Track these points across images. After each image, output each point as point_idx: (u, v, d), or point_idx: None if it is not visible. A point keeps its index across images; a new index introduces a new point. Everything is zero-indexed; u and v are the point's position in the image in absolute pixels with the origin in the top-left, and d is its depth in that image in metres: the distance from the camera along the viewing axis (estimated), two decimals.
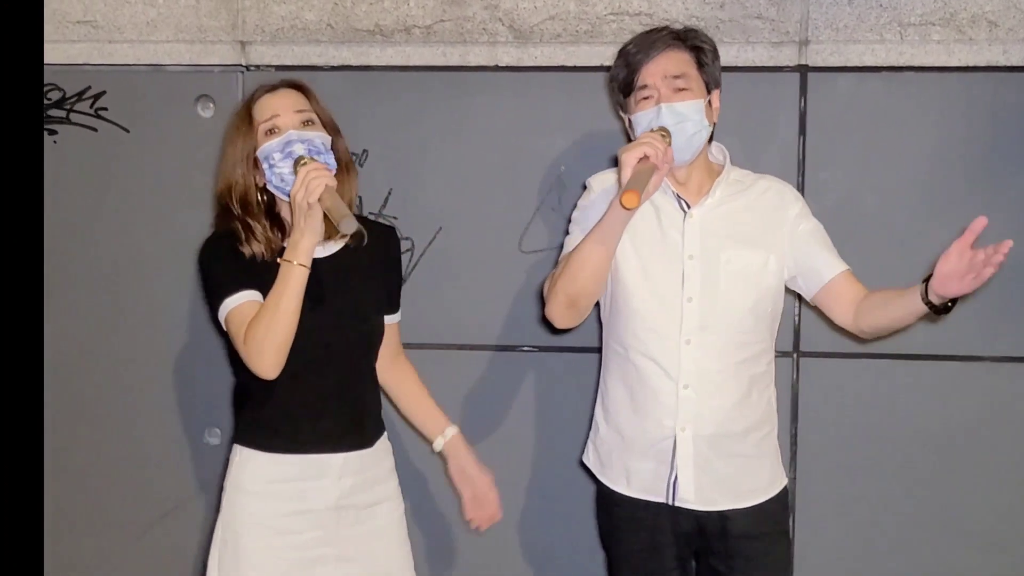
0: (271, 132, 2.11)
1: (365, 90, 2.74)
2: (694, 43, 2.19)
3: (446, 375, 2.78)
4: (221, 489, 2.24)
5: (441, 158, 2.75)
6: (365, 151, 2.75)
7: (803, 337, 2.73)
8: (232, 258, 2.13)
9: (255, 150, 2.12)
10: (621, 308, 2.27)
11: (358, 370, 2.25)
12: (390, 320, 2.34)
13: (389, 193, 2.77)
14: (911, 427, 2.71)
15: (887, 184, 2.66)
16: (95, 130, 2.81)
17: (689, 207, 2.21)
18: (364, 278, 2.23)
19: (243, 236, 2.14)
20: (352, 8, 2.72)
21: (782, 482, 2.31)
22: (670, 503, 2.24)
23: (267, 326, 2.03)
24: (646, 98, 2.16)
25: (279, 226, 2.18)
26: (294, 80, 2.22)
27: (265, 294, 2.08)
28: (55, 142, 2.81)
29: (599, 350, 2.75)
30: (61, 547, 2.92)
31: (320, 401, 2.17)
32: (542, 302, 2.30)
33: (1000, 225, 2.63)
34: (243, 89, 2.76)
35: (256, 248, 2.13)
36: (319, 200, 1.98)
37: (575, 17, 2.68)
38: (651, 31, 2.22)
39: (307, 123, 2.14)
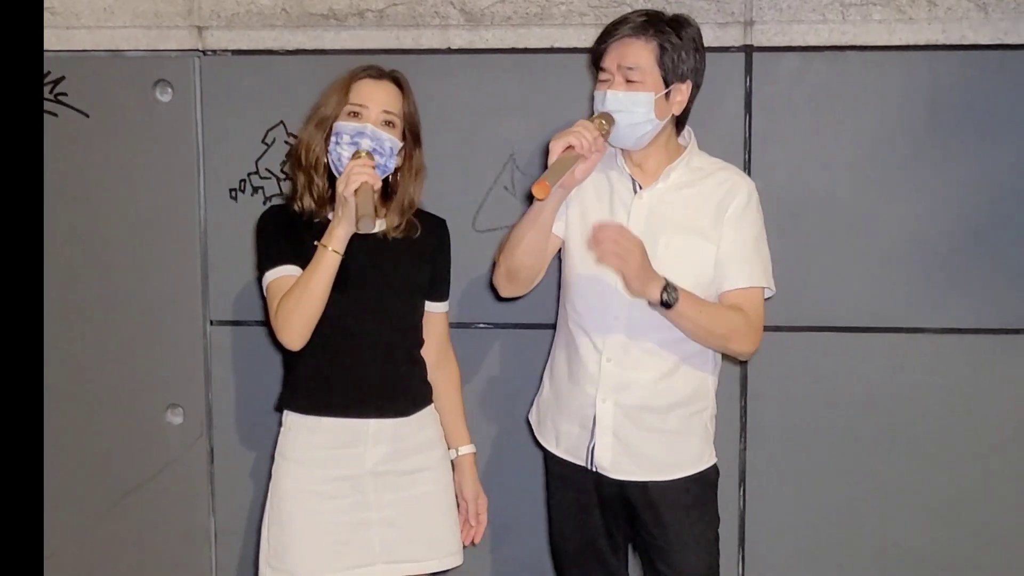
0: (353, 115, 2.26)
1: (320, 74, 2.75)
2: (658, 36, 2.18)
3: None
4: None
5: None
6: None
7: None
8: (281, 231, 2.30)
9: (335, 120, 2.26)
10: (566, 279, 2.36)
11: (391, 345, 2.35)
12: (435, 308, 2.46)
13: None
14: (857, 398, 2.78)
15: (831, 161, 2.72)
16: (55, 115, 2.84)
17: (640, 189, 2.26)
18: (408, 261, 2.35)
19: (301, 189, 2.30)
20: None
21: (709, 461, 2.35)
22: (589, 468, 2.32)
23: (296, 301, 2.19)
24: (603, 81, 2.23)
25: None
26: (400, 76, 2.35)
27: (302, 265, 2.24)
28: None
29: (551, 327, 2.83)
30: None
31: (354, 369, 2.30)
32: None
33: (938, 199, 2.72)
34: (200, 73, 2.80)
35: (307, 203, 2.29)
36: (353, 193, 2.13)
37: (525, 0, 2.72)
38: (628, 15, 2.24)
39: (388, 124, 2.28)
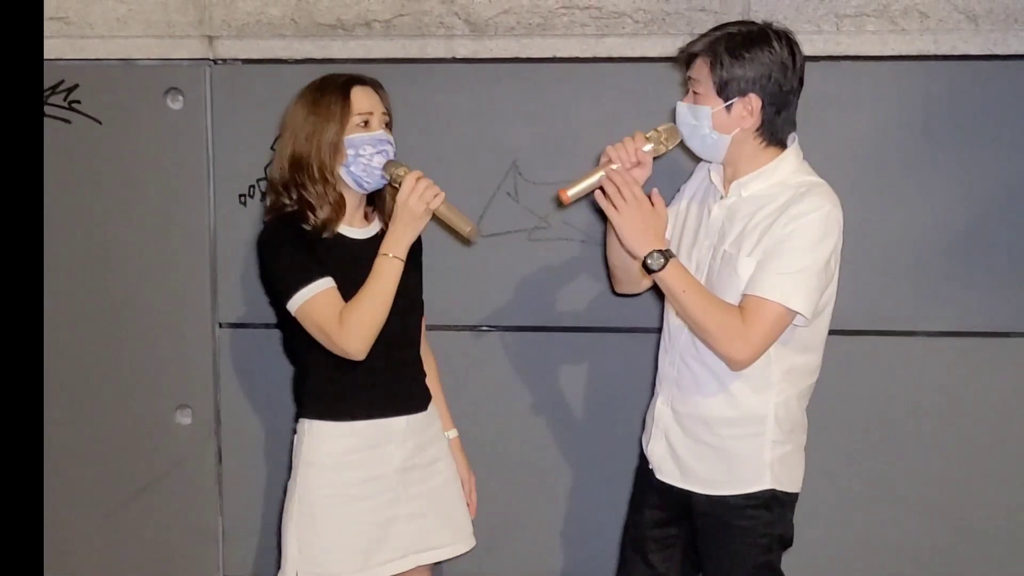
0: (364, 125, 2.30)
1: None
2: (713, 51, 2.17)
3: None
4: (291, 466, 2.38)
5: (401, 146, 2.80)
6: None
7: None
8: (300, 247, 2.27)
9: (343, 133, 2.28)
10: None
11: (410, 339, 2.43)
12: None
13: None
14: (852, 400, 2.83)
15: (824, 168, 2.72)
16: (69, 122, 2.91)
17: (722, 198, 2.28)
18: (408, 261, 2.36)
19: (316, 202, 2.29)
20: (315, 3, 2.83)
21: (762, 485, 2.25)
22: (648, 464, 2.39)
23: (366, 312, 2.23)
24: (686, 91, 2.28)
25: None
26: (379, 82, 2.38)
27: (329, 275, 2.25)
28: None
29: (554, 329, 2.89)
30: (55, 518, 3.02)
31: (384, 370, 2.35)
32: None
33: (931, 206, 2.78)
34: (210, 82, 2.87)
35: (325, 214, 2.29)
36: (437, 209, 2.24)
37: (528, 11, 2.80)
38: (712, 29, 2.25)
39: (386, 126, 2.35)
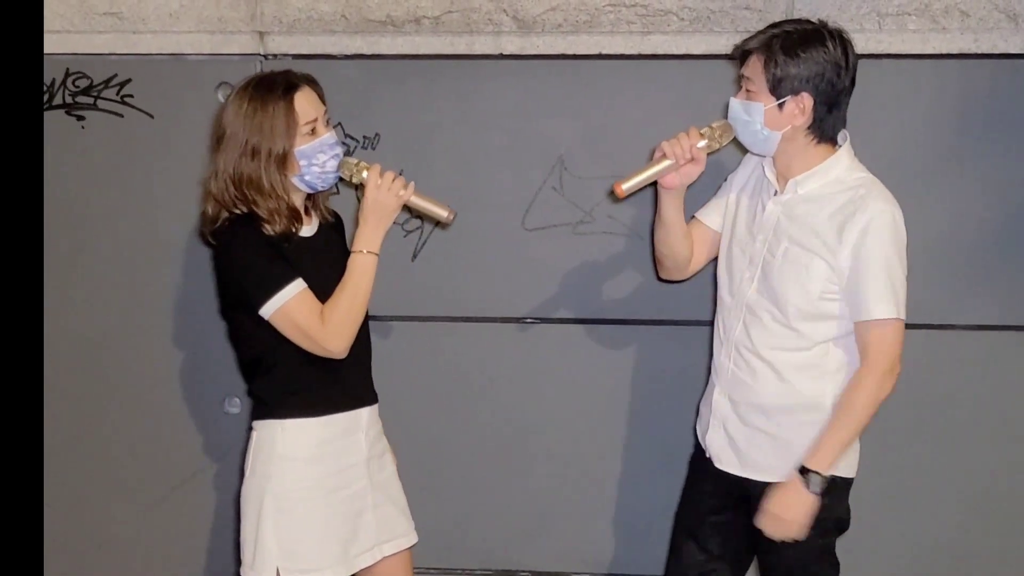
0: (312, 132, 2.26)
1: (377, 77, 2.90)
2: (767, 49, 2.22)
3: (454, 345, 2.97)
4: (244, 466, 2.37)
5: (449, 141, 2.92)
6: (377, 134, 2.92)
7: None
8: (266, 249, 2.23)
9: (293, 147, 2.23)
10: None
11: (363, 336, 2.42)
12: None
13: (400, 173, 2.91)
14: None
15: (866, 165, 2.82)
16: (121, 116, 2.96)
17: (777, 194, 2.34)
18: (342, 250, 2.41)
19: (268, 214, 2.24)
20: (365, 0, 2.88)
21: None
22: (705, 453, 2.45)
23: (348, 309, 2.25)
24: (739, 88, 2.33)
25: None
26: (313, 78, 2.34)
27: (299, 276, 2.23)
28: (83, 127, 2.96)
29: (598, 321, 2.94)
30: (83, 516, 3.10)
31: (350, 363, 2.34)
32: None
33: (971, 203, 2.83)
34: None
35: (281, 226, 2.25)
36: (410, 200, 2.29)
37: (575, 8, 2.84)
38: (761, 31, 2.29)
39: (327, 123, 2.32)
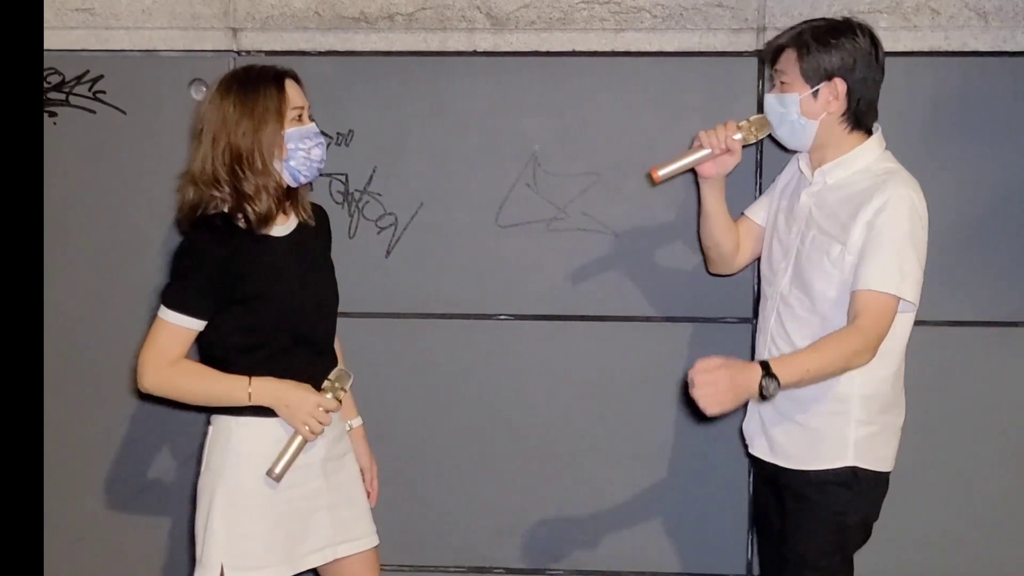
0: (299, 119, 2.30)
1: (351, 74, 2.90)
2: (798, 40, 2.32)
3: (427, 343, 2.97)
4: (200, 464, 2.37)
5: (422, 138, 2.92)
6: (351, 131, 2.91)
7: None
8: (213, 270, 2.23)
9: (283, 127, 2.27)
10: None
11: (328, 337, 2.44)
12: None
13: (373, 171, 2.93)
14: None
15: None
16: (93, 112, 2.94)
17: (809, 185, 2.41)
18: (324, 256, 2.43)
19: (255, 193, 2.25)
20: None
21: (843, 462, 2.32)
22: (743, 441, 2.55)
23: (186, 391, 2.27)
24: (773, 84, 2.42)
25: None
26: (297, 74, 2.37)
27: (206, 318, 2.24)
28: (55, 123, 2.94)
29: (571, 318, 2.94)
30: (56, 514, 3.07)
31: (307, 367, 2.35)
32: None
33: (942, 201, 2.83)
34: None
35: (264, 207, 2.25)
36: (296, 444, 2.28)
37: (548, 5, 2.84)
38: (788, 28, 2.40)
39: (311, 117, 2.35)
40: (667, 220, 2.90)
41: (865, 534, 2.43)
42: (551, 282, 2.94)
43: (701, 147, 2.43)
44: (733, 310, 2.91)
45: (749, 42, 2.82)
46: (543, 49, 2.86)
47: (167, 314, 2.24)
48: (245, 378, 2.26)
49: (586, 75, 2.86)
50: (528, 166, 2.91)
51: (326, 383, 2.34)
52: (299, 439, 2.27)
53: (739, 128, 2.42)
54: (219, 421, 2.34)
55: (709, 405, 2.09)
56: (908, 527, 2.91)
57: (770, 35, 2.81)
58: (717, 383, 2.09)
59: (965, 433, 2.91)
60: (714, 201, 2.53)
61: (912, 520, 2.91)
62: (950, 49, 2.79)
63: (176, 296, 2.25)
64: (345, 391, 2.36)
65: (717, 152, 2.42)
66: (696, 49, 2.82)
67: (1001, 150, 2.81)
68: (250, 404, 2.25)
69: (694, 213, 2.87)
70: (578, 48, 2.86)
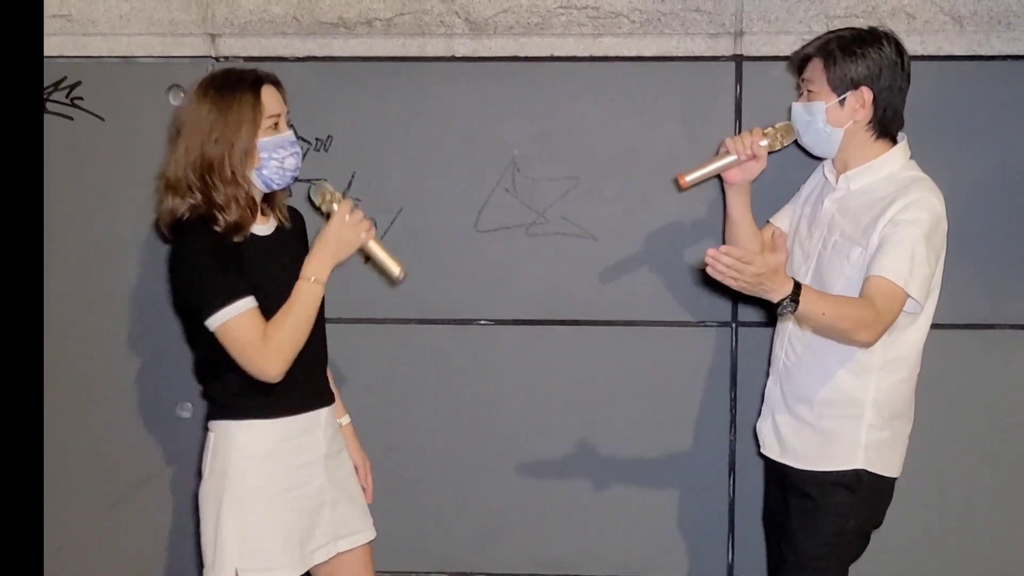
0: (274, 127, 2.28)
1: (330, 79, 2.90)
2: (825, 49, 2.35)
3: (407, 348, 2.97)
4: (201, 468, 2.36)
5: (402, 143, 2.92)
6: (330, 137, 2.91)
7: (740, 308, 2.92)
8: (223, 263, 2.22)
9: (256, 136, 2.25)
10: None
11: (320, 338, 2.44)
12: None
13: (353, 176, 2.93)
14: None
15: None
16: (71, 119, 2.94)
17: (834, 191, 2.43)
18: (301, 253, 2.40)
19: (226, 202, 2.23)
20: (317, 2, 2.88)
21: (852, 465, 2.35)
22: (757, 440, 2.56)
23: (290, 336, 2.24)
24: (800, 93, 2.44)
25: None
26: (277, 78, 2.35)
27: (250, 293, 2.22)
28: None
29: (551, 323, 2.95)
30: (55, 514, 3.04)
31: (310, 364, 2.36)
32: None
33: None
34: None
35: (235, 215, 2.24)
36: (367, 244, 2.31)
37: (526, 10, 2.85)
38: (816, 38, 2.41)
39: (289, 125, 2.34)
40: (647, 224, 2.90)
41: (863, 542, 2.45)
42: (531, 287, 2.94)
43: (727, 153, 2.45)
44: (714, 314, 2.91)
45: (727, 46, 2.84)
46: (522, 54, 2.87)
47: (223, 316, 2.20)
48: (302, 280, 2.27)
49: (565, 80, 2.87)
50: (507, 171, 2.91)
51: (323, 205, 2.33)
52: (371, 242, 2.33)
53: (765, 135, 2.44)
54: (218, 426, 2.33)
55: (726, 281, 2.05)
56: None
57: (748, 40, 2.83)
58: (742, 274, 2.01)
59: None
60: (738, 206, 2.54)
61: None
62: (925, 53, 2.81)
63: (214, 297, 2.20)
64: (337, 192, 2.34)
65: (743, 158, 2.44)
66: (674, 54, 2.84)
67: (976, 153, 2.83)
68: (324, 283, 2.28)
69: (674, 217, 2.89)
70: (556, 53, 2.86)
